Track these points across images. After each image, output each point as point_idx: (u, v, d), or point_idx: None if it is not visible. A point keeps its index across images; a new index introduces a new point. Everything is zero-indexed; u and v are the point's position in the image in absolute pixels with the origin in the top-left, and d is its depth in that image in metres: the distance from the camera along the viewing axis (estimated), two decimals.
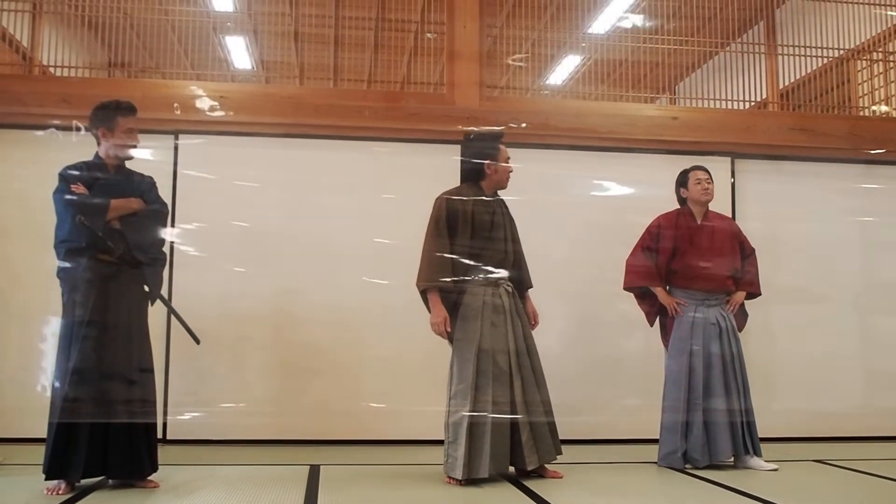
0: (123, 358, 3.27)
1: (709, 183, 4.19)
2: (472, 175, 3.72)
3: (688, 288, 4.16)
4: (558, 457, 3.65)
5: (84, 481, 3.23)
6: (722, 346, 4.06)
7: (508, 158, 3.76)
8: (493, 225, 3.67)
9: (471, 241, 3.59)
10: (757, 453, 4.01)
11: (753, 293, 4.28)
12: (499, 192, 3.81)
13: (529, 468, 3.52)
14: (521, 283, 3.77)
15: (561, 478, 3.61)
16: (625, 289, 4.28)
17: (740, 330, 4.23)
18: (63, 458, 3.11)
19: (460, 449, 3.40)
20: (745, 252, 4.26)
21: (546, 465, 3.62)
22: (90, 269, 3.22)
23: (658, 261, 4.18)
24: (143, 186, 3.44)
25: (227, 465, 3.96)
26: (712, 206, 4.29)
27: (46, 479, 3.13)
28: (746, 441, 4.00)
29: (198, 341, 3.57)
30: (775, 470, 3.92)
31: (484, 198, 3.69)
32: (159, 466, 3.37)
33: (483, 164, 3.68)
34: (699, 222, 4.22)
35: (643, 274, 4.19)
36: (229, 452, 4.34)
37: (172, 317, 3.57)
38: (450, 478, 3.46)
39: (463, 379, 3.49)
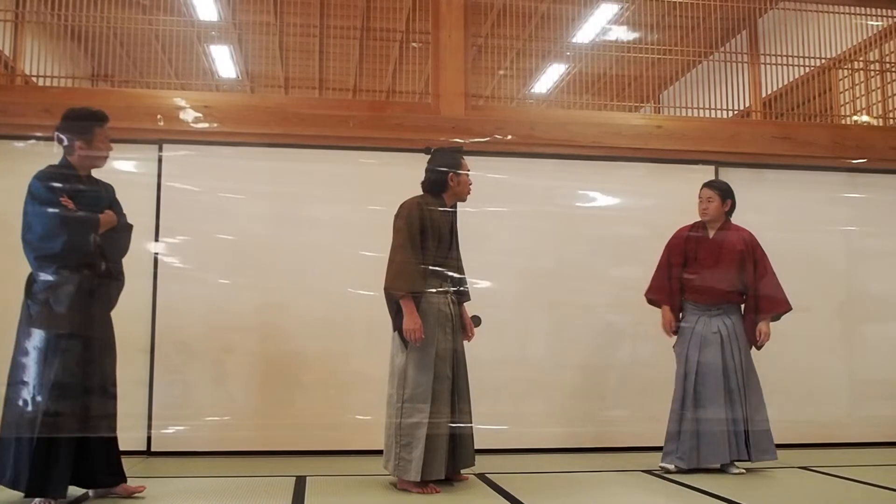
0: (104, 371, 3.25)
1: (709, 201, 4.29)
2: (434, 186, 3.80)
3: (691, 299, 4.29)
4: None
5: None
6: (724, 356, 4.14)
7: (469, 171, 3.85)
8: (451, 235, 3.80)
9: (434, 250, 3.68)
10: (759, 457, 4.08)
11: (776, 314, 4.29)
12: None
13: (452, 474, 3.66)
14: (462, 294, 3.87)
15: (466, 480, 3.75)
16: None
17: (759, 347, 4.28)
18: (46, 474, 3.04)
19: (415, 451, 3.48)
20: (758, 272, 4.27)
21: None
22: (73, 282, 3.16)
23: (671, 275, 4.32)
24: (110, 195, 3.43)
25: (213, 477, 3.94)
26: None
27: (27, 495, 3.05)
28: (749, 448, 4.08)
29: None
30: (741, 473, 4.04)
31: (447, 209, 3.79)
32: (145, 479, 3.35)
33: (446, 175, 3.76)
34: (711, 236, 4.31)
35: (654, 289, 4.38)
36: (215, 464, 4.31)
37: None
38: (403, 481, 3.54)
39: (420, 383, 3.56)
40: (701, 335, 4.19)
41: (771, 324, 4.28)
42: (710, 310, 4.23)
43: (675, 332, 4.31)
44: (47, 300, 3.14)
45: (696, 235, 4.33)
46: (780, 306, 4.26)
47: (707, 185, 4.35)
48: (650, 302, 4.43)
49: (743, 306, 4.31)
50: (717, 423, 4.06)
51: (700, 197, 4.32)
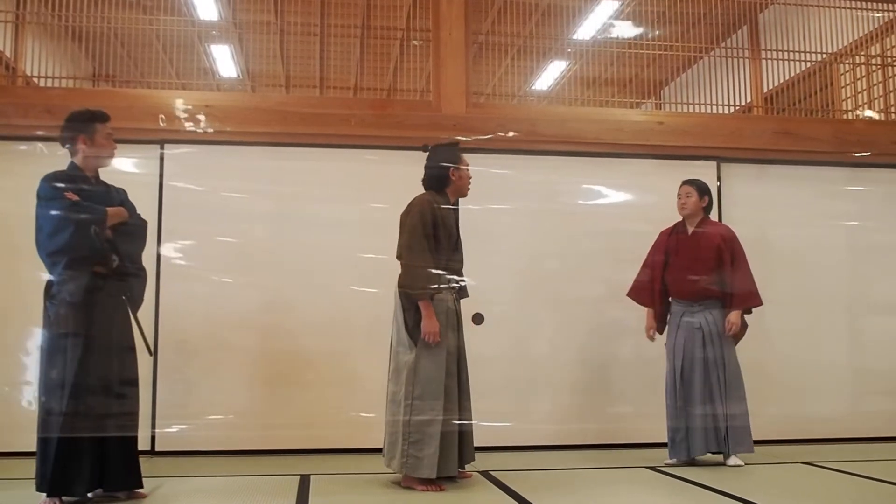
0: (118, 371, 3.25)
1: (688, 197, 4.39)
2: (436, 183, 3.80)
3: (674, 296, 4.40)
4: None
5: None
6: (705, 350, 4.22)
7: (468, 166, 3.85)
8: (457, 233, 3.81)
9: (445, 248, 3.69)
10: (734, 450, 4.16)
11: (746, 307, 4.31)
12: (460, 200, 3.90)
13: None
14: (462, 290, 3.87)
15: (470, 477, 3.77)
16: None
17: (737, 340, 4.31)
18: (68, 473, 3.04)
19: (427, 449, 3.48)
20: (734, 266, 4.31)
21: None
22: (85, 281, 3.14)
23: (653, 276, 4.40)
24: (121, 196, 3.43)
25: (217, 477, 3.94)
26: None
27: (49, 495, 3.05)
28: (727, 441, 4.15)
29: (150, 352, 3.52)
30: (739, 466, 4.12)
31: (452, 207, 3.79)
32: (148, 478, 3.35)
33: (447, 171, 3.76)
34: (689, 232, 4.40)
35: (636, 289, 4.50)
36: (219, 464, 4.32)
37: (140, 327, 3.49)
38: (408, 478, 3.54)
39: (433, 380, 3.56)
40: (685, 331, 4.27)
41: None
42: (692, 305, 4.31)
43: (661, 332, 4.42)
44: (64, 300, 3.11)
45: (676, 233, 4.44)
46: (751, 300, 4.30)
47: (685, 182, 4.45)
48: (634, 300, 4.52)
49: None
50: (700, 416, 4.16)
51: (679, 194, 4.43)
